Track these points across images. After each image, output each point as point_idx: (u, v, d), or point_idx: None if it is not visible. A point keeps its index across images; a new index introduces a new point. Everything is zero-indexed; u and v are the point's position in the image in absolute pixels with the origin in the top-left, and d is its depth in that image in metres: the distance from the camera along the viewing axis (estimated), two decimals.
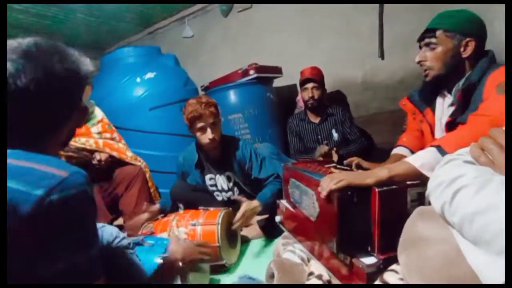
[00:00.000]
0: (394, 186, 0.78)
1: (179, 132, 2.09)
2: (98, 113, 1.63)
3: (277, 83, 2.59)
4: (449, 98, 1.10)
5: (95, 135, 1.55)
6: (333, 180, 0.80)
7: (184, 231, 1.17)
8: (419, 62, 1.08)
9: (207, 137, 1.49)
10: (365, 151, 1.99)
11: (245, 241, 1.48)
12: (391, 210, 0.76)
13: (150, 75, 2.14)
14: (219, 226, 1.19)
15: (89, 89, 2.22)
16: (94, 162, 1.47)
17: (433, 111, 1.17)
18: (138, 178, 1.58)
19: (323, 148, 1.88)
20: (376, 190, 0.75)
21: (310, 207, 0.95)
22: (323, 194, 0.81)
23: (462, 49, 1.01)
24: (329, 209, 0.82)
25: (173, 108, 2.16)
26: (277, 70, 2.45)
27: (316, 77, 2.07)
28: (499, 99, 0.85)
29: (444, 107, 1.13)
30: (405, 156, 1.24)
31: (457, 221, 0.46)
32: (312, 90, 2.05)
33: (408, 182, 0.80)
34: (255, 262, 1.30)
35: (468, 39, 1.00)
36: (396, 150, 1.32)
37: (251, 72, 2.21)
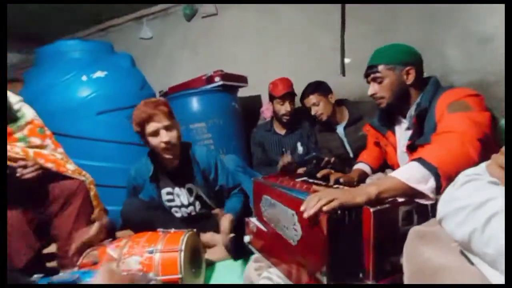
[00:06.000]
0: (387, 205, 0.72)
1: (132, 141, 1.84)
2: (28, 113, 1.30)
3: (239, 93, 2.50)
4: (404, 123, 1.20)
5: (20, 143, 1.23)
6: (321, 200, 0.71)
7: (137, 261, 0.96)
8: (371, 95, 1.19)
9: (160, 140, 1.31)
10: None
11: (209, 264, 1.31)
12: (385, 231, 0.70)
13: (99, 74, 1.86)
14: (182, 253, 1.01)
15: (19, 85, 1.86)
16: (18, 173, 1.12)
17: (394, 133, 1.27)
18: (77, 195, 1.27)
19: (286, 158, 1.82)
20: (370, 210, 0.68)
21: (290, 229, 0.84)
22: (309, 213, 0.71)
23: (405, 77, 1.12)
24: (316, 232, 0.72)
25: (126, 113, 1.90)
26: (243, 79, 2.37)
27: (292, 90, 2.00)
28: (453, 117, 0.95)
29: (401, 130, 1.23)
30: (365, 172, 1.41)
31: (491, 252, 0.40)
32: (289, 105, 1.97)
33: (399, 200, 0.76)
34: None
35: (408, 68, 1.11)
36: (357, 166, 1.45)
37: (217, 79, 2.08)
